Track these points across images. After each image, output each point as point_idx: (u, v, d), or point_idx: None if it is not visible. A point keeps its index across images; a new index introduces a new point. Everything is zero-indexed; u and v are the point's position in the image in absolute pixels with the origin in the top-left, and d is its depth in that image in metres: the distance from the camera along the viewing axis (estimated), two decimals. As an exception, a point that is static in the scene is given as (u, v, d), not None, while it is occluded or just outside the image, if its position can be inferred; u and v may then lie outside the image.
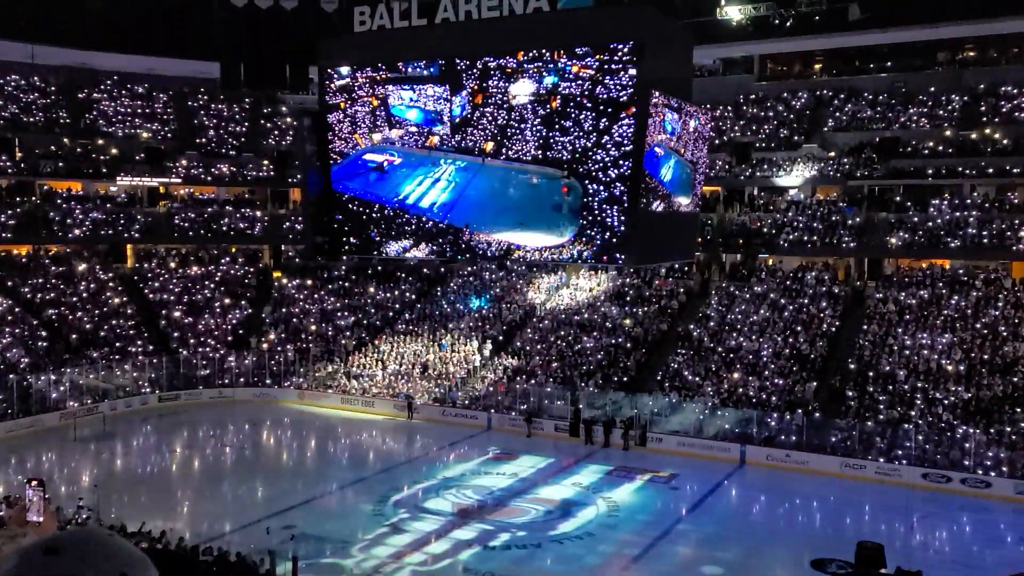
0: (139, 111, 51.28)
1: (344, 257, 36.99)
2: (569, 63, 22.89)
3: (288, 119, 53.02)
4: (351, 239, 28.18)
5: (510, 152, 24.30)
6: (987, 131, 41.59)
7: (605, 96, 22.72)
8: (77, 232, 45.27)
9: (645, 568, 21.44)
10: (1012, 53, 45.10)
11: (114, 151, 48.61)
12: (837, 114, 46.27)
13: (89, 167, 47.50)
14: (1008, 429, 28.88)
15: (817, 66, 50.31)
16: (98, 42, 48.96)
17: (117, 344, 39.94)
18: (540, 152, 23.68)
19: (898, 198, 41.89)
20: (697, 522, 25.28)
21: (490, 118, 24.17)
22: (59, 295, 41.79)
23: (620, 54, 22.38)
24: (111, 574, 2.02)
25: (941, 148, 41.77)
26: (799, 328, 36.64)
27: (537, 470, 29.61)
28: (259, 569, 18.35)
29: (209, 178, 50.08)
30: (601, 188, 23.31)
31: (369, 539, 22.63)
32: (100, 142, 48.70)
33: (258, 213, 50.22)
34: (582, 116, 22.90)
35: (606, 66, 22.54)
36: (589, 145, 23.12)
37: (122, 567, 2.05)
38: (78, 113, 49.64)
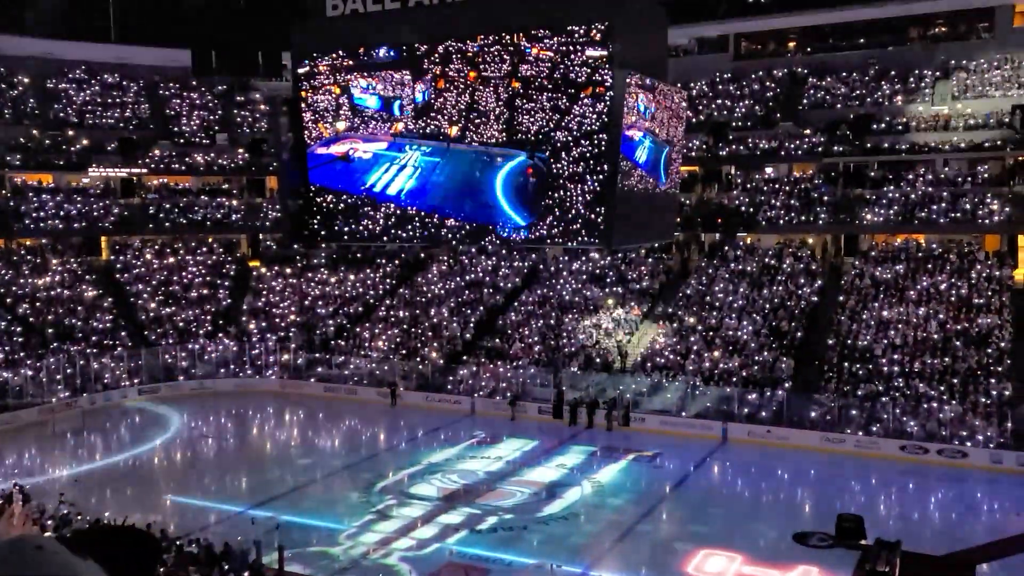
0: (110, 101, 50.53)
1: (323, 244, 36.77)
2: (530, 45, 22.76)
3: (262, 106, 52.46)
4: (322, 228, 27.97)
5: (475, 136, 24.23)
6: (959, 106, 41.97)
7: (572, 77, 22.72)
8: (49, 225, 44.68)
9: (631, 546, 21.65)
10: (982, 28, 45.45)
11: (85, 142, 47.92)
12: (812, 92, 46.49)
13: (60, 159, 46.80)
14: (983, 399, 29.37)
15: (791, 44, 50.46)
16: (65, 32, 48.15)
17: (94, 337, 39.54)
18: (504, 134, 23.64)
19: (873, 174, 42.25)
20: (681, 500, 25.56)
21: (453, 102, 24.07)
22: (33, 289, 41.27)
23: (581, 34, 22.35)
24: None
25: (914, 124, 42.11)
26: (778, 305, 36.95)
27: (522, 453, 29.76)
28: (246, 559, 18.35)
29: (183, 167, 49.53)
30: (568, 169, 23.33)
31: (356, 526, 22.66)
32: (71, 133, 47.97)
33: (234, 202, 49.78)
34: (544, 97, 22.86)
35: (567, 47, 22.52)
36: (553, 126, 23.12)
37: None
38: (47, 104, 48.83)
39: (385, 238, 27.29)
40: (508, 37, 23.02)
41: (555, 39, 22.34)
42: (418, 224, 25.90)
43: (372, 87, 25.26)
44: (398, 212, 26.00)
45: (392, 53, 25.04)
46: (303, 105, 26.89)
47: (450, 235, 25.69)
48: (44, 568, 2.03)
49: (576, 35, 22.13)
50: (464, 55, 23.78)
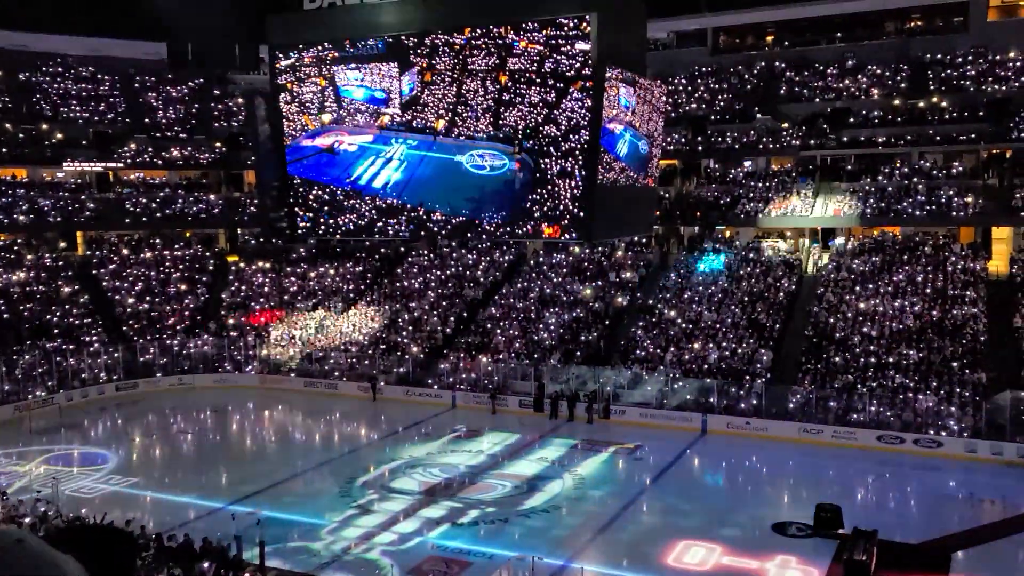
0: (85, 94, 49.91)
1: (301, 238, 36.52)
2: (518, 38, 22.65)
3: (239, 100, 52.04)
4: (305, 222, 27.71)
5: (462, 129, 24.07)
6: (934, 99, 42.42)
7: (557, 70, 22.61)
8: (24, 220, 44.11)
9: (611, 538, 21.77)
10: (956, 22, 45.95)
11: (60, 136, 47.33)
12: (789, 85, 46.78)
13: (34, 153, 46.20)
14: (958, 389, 29.77)
15: (769, 38, 50.74)
16: (39, 24, 47.48)
17: (70, 334, 39.12)
18: (491, 129, 23.48)
19: (849, 167, 42.63)
20: (661, 491, 25.72)
21: (440, 95, 23.90)
22: (7, 284, 40.75)
23: (570, 27, 22.25)
24: None
25: (890, 117, 42.53)
26: (756, 297, 37.23)
27: (503, 446, 29.81)
28: (226, 555, 18.28)
29: (160, 162, 49.05)
30: (556, 163, 23.29)
31: (338, 521, 22.62)
32: (45, 127, 47.36)
33: (212, 196, 49.39)
34: (532, 91, 22.75)
35: (556, 40, 22.39)
36: (541, 120, 23.02)
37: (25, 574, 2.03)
38: (21, 97, 48.17)
39: (369, 232, 27.00)
40: (496, 30, 22.81)
41: (544, 32, 22.16)
42: (404, 218, 25.75)
43: (359, 79, 25.03)
44: (384, 205, 25.82)
45: (379, 45, 24.80)
46: (288, 97, 26.63)
47: (436, 229, 25.55)
48: (24, 560, 2.05)
49: (566, 28, 21.97)
50: (451, 48, 23.61)
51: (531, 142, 22.80)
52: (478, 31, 22.95)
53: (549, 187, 23.10)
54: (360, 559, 20.27)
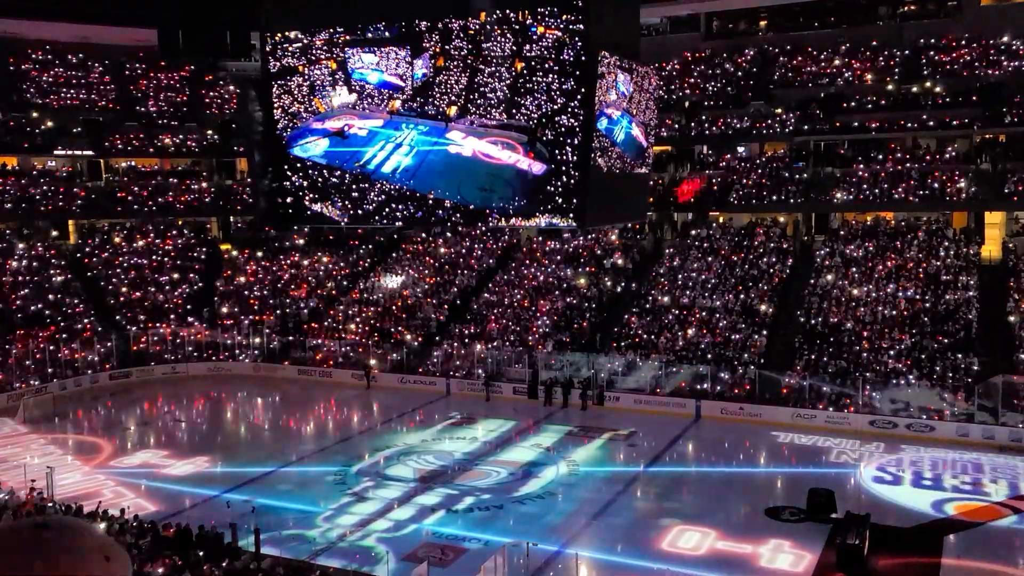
0: (75, 82, 49.53)
1: (295, 227, 36.36)
2: (535, 24, 22.33)
3: (231, 87, 51.71)
4: (307, 209, 27.40)
5: (474, 117, 23.78)
6: (927, 84, 42.37)
7: (570, 58, 22.29)
8: (14, 208, 43.84)
9: (606, 524, 21.86)
10: (950, 6, 45.85)
11: (50, 124, 47.00)
12: (782, 70, 46.67)
13: (24, 141, 45.89)
14: (950, 374, 29.91)
15: (762, 23, 50.56)
16: (27, 10, 47.00)
17: (63, 323, 38.98)
18: (505, 116, 23.17)
19: (843, 152, 42.62)
20: (655, 477, 25.82)
21: (453, 81, 23.62)
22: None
23: (577, 14, 21.94)
24: (96, 555, 2.14)
25: (884, 102, 42.46)
26: (750, 283, 37.28)
27: (498, 433, 29.87)
28: (222, 542, 18.30)
29: (151, 150, 48.77)
30: (571, 154, 23.09)
31: (332, 508, 22.66)
32: (35, 115, 47.02)
33: (204, 184, 49.16)
34: (549, 79, 22.43)
35: (574, 26, 22.04)
36: (555, 109, 22.77)
37: (106, 551, 2.19)
38: (10, 85, 47.78)
39: (375, 218, 26.60)
40: (513, 15, 22.34)
41: (563, 17, 21.73)
42: (412, 204, 25.46)
43: (374, 63, 24.66)
44: (392, 191, 25.53)
45: (391, 30, 24.37)
46: (298, 79, 26.20)
47: (445, 216, 25.24)
48: (105, 538, 2.29)
49: (584, 15, 21.53)
50: (466, 32, 23.21)
51: (546, 131, 22.54)
52: (495, 15, 22.51)
53: (563, 177, 22.81)
54: (356, 546, 20.32)
